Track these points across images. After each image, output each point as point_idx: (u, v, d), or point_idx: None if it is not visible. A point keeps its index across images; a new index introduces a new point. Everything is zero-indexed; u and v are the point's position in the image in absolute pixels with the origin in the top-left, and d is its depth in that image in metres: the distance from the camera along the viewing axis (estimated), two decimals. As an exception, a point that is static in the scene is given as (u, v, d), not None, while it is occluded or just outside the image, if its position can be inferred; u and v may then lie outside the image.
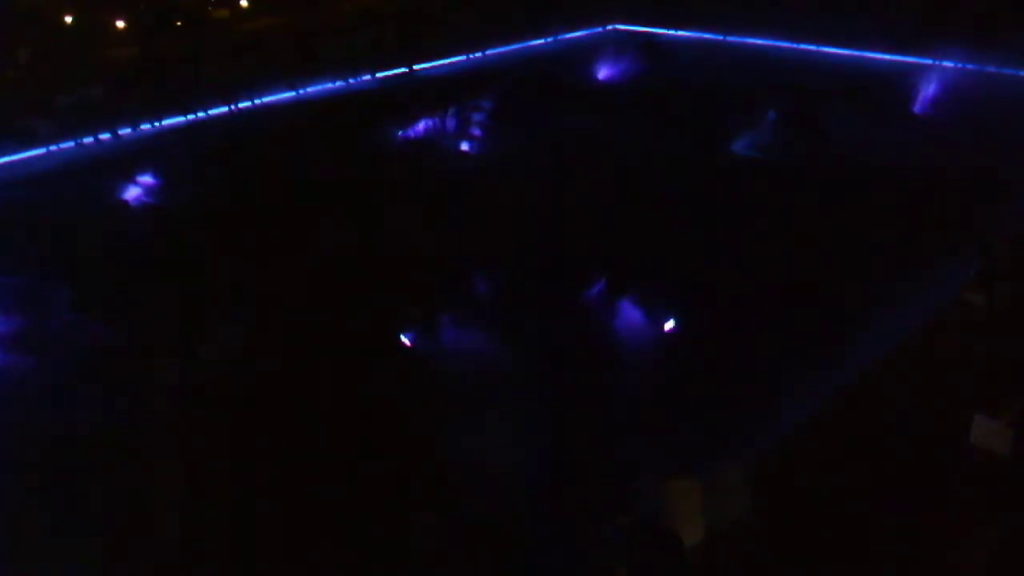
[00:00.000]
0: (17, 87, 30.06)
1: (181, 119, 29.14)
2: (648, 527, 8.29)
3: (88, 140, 27.60)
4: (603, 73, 31.38)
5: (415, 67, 34.17)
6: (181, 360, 14.94)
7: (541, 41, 36.48)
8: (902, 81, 26.01)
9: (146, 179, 23.67)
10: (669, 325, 14.78)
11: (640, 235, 18.12)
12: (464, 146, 24.98)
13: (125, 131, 28.14)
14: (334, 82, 32.47)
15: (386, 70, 33.74)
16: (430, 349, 14.66)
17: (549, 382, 13.45)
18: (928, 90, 25.15)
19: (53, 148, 27.07)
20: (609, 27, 38.93)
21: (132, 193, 23.12)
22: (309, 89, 31.84)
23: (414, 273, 17.14)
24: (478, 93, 27.66)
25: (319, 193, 22.06)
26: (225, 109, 30.04)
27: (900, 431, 11.08)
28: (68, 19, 37.32)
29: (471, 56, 34.83)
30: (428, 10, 38.06)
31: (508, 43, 35.87)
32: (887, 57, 29.68)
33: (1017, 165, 19.39)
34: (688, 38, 35.80)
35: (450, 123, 26.21)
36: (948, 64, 27.77)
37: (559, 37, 37.26)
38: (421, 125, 26.29)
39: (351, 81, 32.72)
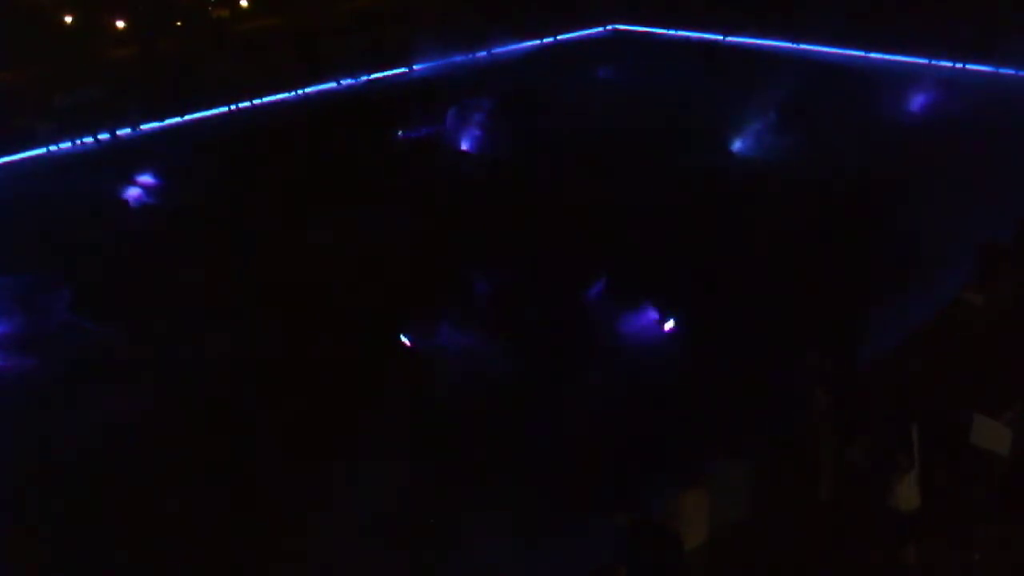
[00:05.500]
0: (16, 87, 29.99)
1: (181, 119, 29.11)
2: (648, 526, 8.29)
3: (88, 140, 27.58)
4: (603, 73, 31.37)
5: (415, 67, 34.15)
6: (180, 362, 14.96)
7: (541, 41, 36.46)
8: (901, 82, 26.06)
9: (146, 179, 23.66)
10: (669, 325, 14.80)
11: (640, 235, 18.14)
12: (464, 146, 24.98)
13: (125, 131, 28.12)
14: (334, 82, 32.44)
15: (386, 70, 33.71)
16: (430, 349, 14.67)
17: (549, 381, 13.47)
18: (927, 91, 25.18)
19: (53, 148, 27.03)
20: (609, 27, 38.92)
21: (132, 193, 23.11)
22: (309, 89, 31.82)
23: (414, 273, 17.15)
24: (478, 93, 27.66)
25: (319, 193, 22.05)
26: (225, 109, 30.02)
27: (899, 431, 11.06)
28: (68, 19, 37.25)
29: (471, 56, 34.80)
30: (428, 10, 38.02)
31: (508, 43, 35.85)
32: (888, 57, 29.69)
33: (1014, 165, 19.41)
34: (688, 38, 35.78)
35: (450, 123, 26.20)
36: (947, 64, 27.85)
37: (559, 37, 37.24)
38: (421, 125, 26.28)
39: (351, 81, 32.69)
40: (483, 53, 35.05)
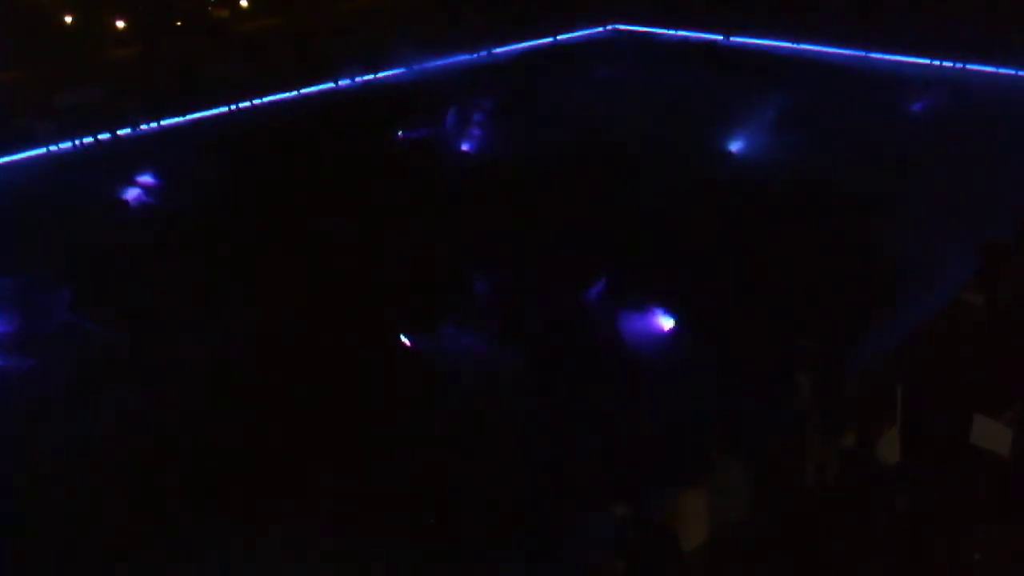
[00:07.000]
0: (17, 87, 30.01)
1: (181, 119, 29.13)
2: (645, 521, 8.30)
3: (88, 140, 27.58)
4: (603, 73, 31.35)
5: (414, 67, 34.14)
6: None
7: (541, 41, 36.47)
8: (902, 82, 26.06)
9: (146, 179, 23.66)
10: (669, 325, 14.81)
11: (639, 235, 18.14)
12: (463, 146, 24.98)
13: (125, 131, 28.13)
14: (333, 82, 32.45)
15: (386, 70, 33.72)
16: (430, 349, 14.67)
17: (549, 381, 13.47)
18: (927, 91, 25.19)
19: (53, 148, 27.04)
20: (609, 27, 38.92)
21: (131, 193, 23.12)
22: (308, 89, 31.82)
23: (414, 273, 17.15)
24: (477, 93, 27.66)
25: (319, 193, 22.05)
26: (225, 109, 30.03)
27: (899, 431, 11.06)
28: (68, 19, 37.26)
29: (471, 56, 34.82)
30: (427, 10, 38.05)
31: (508, 43, 35.87)
32: (888, 57, 29.68)
33: (1014, 165, 19.41)
34: (688, 38, 35.78)
35: (450, 123, 26.20)
36: (948, 64, 27.86)
37: (559, 37, 37.24)
38: (421, 125, 26.27)
39: (350, 81, 32.70)
40: (483, 53, 35.06)
